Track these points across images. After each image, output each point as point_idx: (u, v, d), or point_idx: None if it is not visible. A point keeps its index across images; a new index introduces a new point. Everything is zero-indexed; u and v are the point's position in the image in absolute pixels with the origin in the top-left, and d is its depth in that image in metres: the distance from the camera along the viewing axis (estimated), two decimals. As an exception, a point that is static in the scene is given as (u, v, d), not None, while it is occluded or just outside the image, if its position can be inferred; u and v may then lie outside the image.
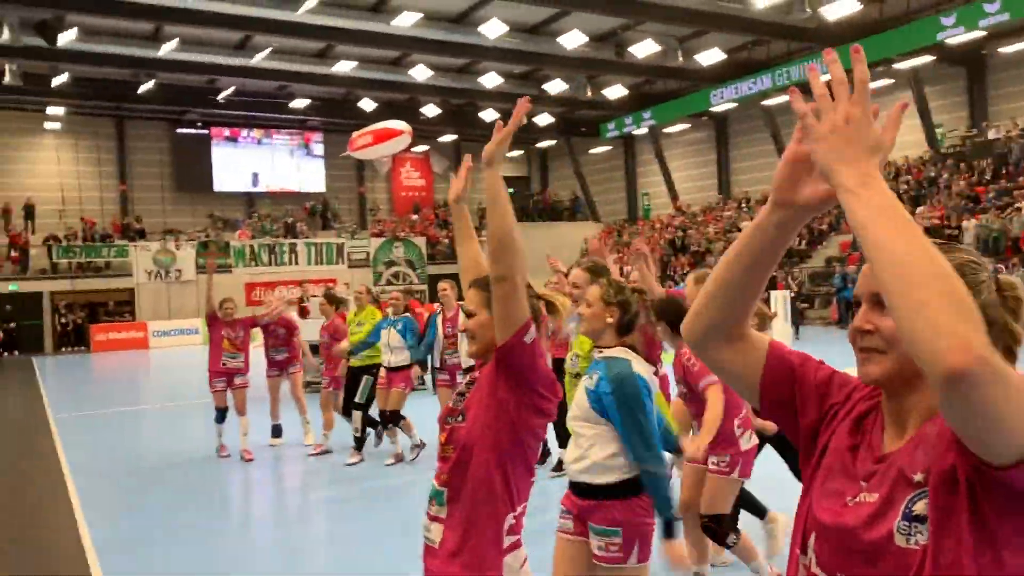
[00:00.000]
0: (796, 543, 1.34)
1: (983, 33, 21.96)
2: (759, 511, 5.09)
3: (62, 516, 6.97)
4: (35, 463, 9.51)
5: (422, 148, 36.84)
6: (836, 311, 22.40)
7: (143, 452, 10.01)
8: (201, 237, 32.09)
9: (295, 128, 36.38)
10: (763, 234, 1.28)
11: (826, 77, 1.19)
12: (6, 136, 31.59)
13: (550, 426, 2.73)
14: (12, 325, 27.73)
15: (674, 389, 4.79)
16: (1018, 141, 23.64)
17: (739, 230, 28.99)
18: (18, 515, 7.22)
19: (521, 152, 42.49)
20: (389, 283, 30.30)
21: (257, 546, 6.30)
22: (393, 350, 8.07)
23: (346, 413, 8.59)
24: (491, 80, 28.71)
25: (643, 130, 33.67)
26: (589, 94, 30.12)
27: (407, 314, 8.44)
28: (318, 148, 37.25)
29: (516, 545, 2.35)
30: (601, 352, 3.26)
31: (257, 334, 9.82)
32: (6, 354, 26.94)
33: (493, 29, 23.11)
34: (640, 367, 3.16)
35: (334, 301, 9.24)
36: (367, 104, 31.22)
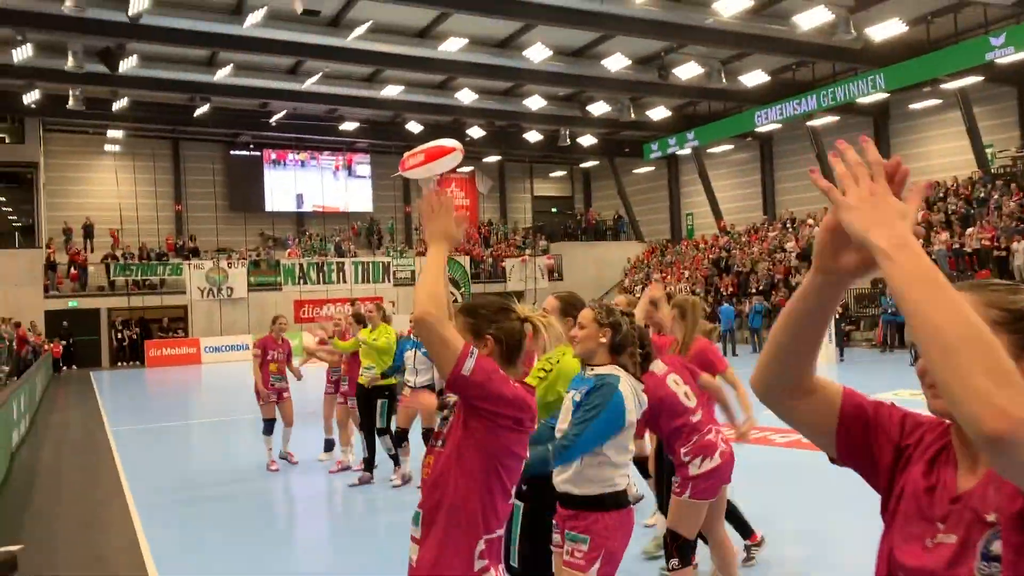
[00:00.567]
0: None
1: (1033, 53, 21.68)
2: (744, 531, 5.40)
3: (121, 524, 7.34)
4: (95, 474, 9.96)
5: (467, 168, 37.37)
6: (881, 334, 22.14)
7: (196, 464, 10.43)
8: (252, 256, 32.95)
9: (343, 150, 37.15)
10: (808, 300, 1.32)
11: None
12: (69, 158, 32.84)
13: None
14: (71, 340, 28.74)
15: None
16: (1071, 161, 23.19)
17: (784, 250, 28.84)
18: (81, 524, 7.61)
19: (564, 172, 42.79)
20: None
21: (305, 554, 6.58)
22: (419, 371, 8.23)
23: (367, 435, 8.72)
24: (535, 102, 29.09)
25: (687, 150, 33.71)
26: (632, 115, 30.32)
27: None
28: (363, 169, 37.97)
29: (486, 569, 2.38)
30: (593, 370, 3.38)
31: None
32: (65, 368, 27.89)
33: (537, 53, 23.48)
34: (626, 386, 3.29)
35: (360, 320, 9.53)
36: (414, 126, 31.87)
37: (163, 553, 6.33)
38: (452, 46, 22.84)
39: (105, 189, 33.07)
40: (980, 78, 24.08)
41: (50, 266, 29.60)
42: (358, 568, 6.05)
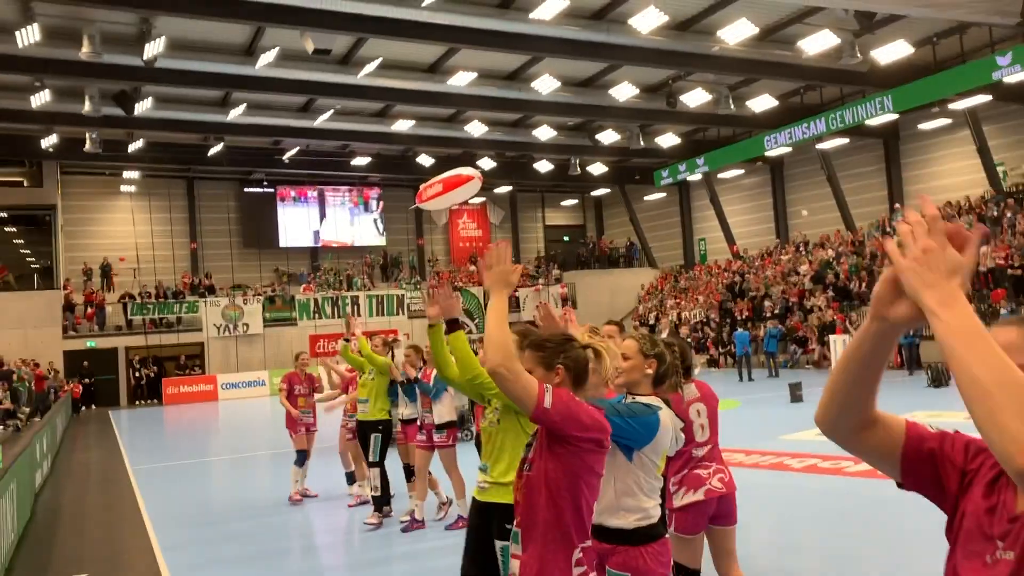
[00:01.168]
0: None
1: (1040, 71, 21.71)
2: None
3: (145, 562, 7.38)
4: (118, 513, 10.02)
5: (479, 200, 37.58)
6: (898, 356, 22.01)
7: (217, 500, 10.48)
8: (268, 292, 33.18)
9: (355, 184, 37.50)
10: (864, 345, 1.44)
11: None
12: (86, 200, 33.26)
13: None
14: (91, 380, 28.95)
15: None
16: (1083, 178, 23.12)
17: (797, 273, 28.80)
18: (104, 562, 7.65)
19: (576, 201, 42.99)
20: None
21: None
22: (407, 403, 8.35)
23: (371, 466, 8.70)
24: (544, 132, 29.33)
25: (697, 176, 33.82)
26: (642, 143, 30.51)
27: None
28: (375, 203, 38.30)
29: (585, 575, 2.67)
30: (635, 398, 3.38)
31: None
32: (84, 408, 28.08)
33: (545, 84, 23.72)
34: (666, 416, 3.26)
35: (387, 346, 9.60)
36: (425, 159, 32.16)
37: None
38: (461, 80, 23.12)
39: (122, 229, 33.44)
40: (989, 97, 24.10)
41: (68, 307, 29.92)
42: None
